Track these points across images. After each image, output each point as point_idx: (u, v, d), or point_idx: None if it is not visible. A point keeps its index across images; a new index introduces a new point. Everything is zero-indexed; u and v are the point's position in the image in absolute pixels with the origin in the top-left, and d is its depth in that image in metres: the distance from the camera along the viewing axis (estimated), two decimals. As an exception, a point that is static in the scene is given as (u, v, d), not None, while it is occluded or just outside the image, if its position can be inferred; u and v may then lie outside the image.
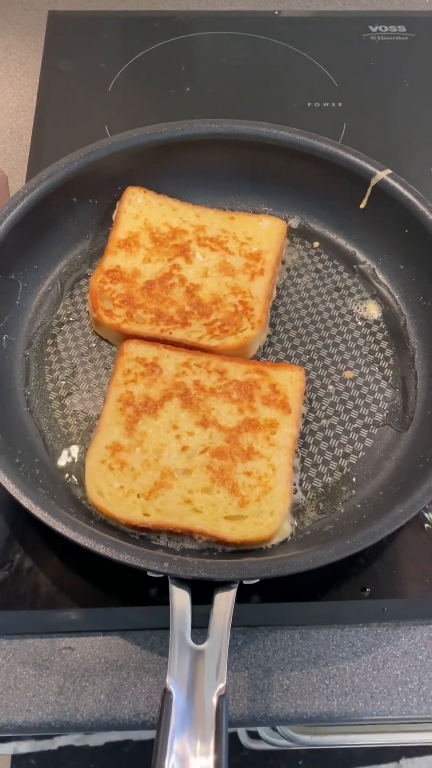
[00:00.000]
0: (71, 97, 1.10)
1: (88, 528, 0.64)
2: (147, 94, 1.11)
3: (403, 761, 1.66)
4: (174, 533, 0.70)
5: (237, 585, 0.62)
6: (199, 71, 1.14)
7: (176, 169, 0.91)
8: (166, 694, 0.55)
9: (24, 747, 1.62)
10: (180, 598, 0.61)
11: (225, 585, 0.62)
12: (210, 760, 0.53)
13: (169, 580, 0.62)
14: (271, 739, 0.88)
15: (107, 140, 0.88)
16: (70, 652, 0.69)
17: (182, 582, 0.62)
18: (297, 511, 0.73)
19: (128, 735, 1.56)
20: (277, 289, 0.88)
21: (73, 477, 0.74)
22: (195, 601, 0.62)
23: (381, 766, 1.64)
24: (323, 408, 0.80)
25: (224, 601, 0.61)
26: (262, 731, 0.87)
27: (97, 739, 1.59)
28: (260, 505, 0.71)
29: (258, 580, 0.65)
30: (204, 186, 0.93)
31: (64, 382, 0.81)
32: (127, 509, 0.70)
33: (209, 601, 0.62)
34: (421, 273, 0.85)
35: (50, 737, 1.59)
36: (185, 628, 0.59)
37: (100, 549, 0.62)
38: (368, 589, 0.71)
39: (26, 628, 0.69)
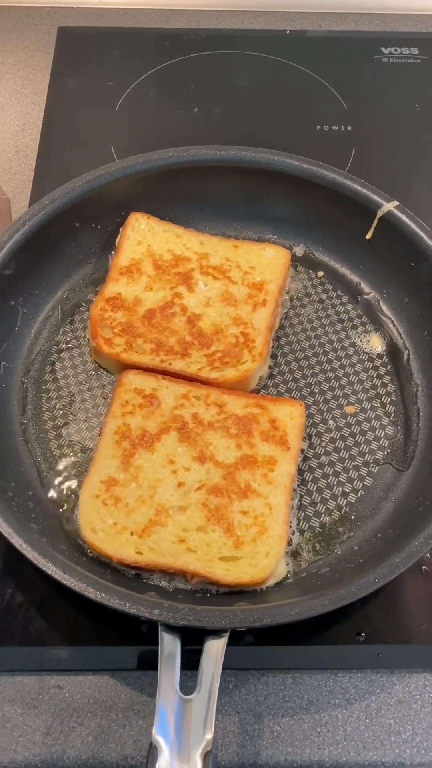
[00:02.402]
0: (78, 116, 1.09)
1: (78, 570, 0.63)
2: (154, 115, 1.10)
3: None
4: (167, 572, 0.69)
5: (228, 632, 0.61)
6: (207, 91, 1.13)
7: (181, 195, 0.90)
8: (152, 748, 0.54)
9: None
10: (170, 645, 0.60)
11: (216, 632, 0.60)
12: None
13: (159, 626, 0.61)
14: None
15: (111, 165, 0.87)
16: (59, 690, 0.68)
17: (172, 628, 0.61)
18: (293, 551, 0.72)
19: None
20: (280, 319, 0.87)
21: (67, 511, 0.73)
22: (187, 642, 0.61)
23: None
24: (323, 444, 0.79)
25: (214, 649, 0.60)
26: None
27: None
28: (255, 546, 0.69)
29: (251, 624, 0.64)
30: (209, 212, 0.92)
31: (61, 412, 0.80)
32: (120, 547, 0.69)
33: (201, 643, 0.61)
34: (426, 307, 0.83)
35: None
36: (174, 678, 0.58)
37: (90, 593, 0.61)
38: (363, 634, 0.70)
39: (15, 665, 0.68)
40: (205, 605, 0.65)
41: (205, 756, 0.53)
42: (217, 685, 0.58)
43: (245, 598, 0.68)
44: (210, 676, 0.59)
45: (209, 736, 0.56)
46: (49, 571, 0.61)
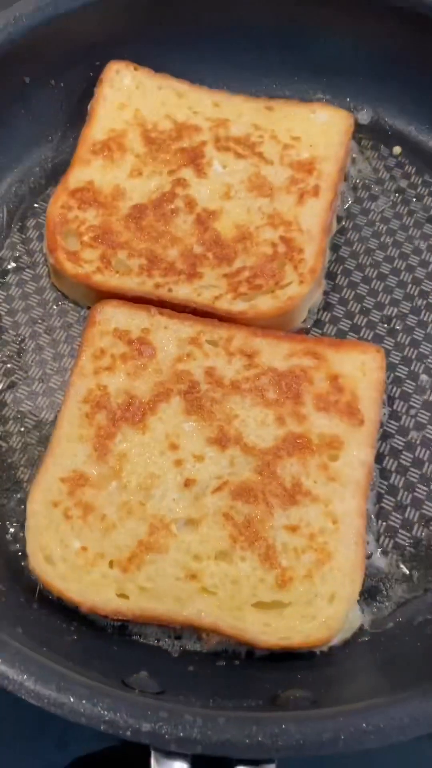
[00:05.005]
0: None
1: (13, 645, 0.38)
2: None
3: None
4: (168, 627, 0.47)
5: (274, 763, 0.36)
6: None
7: (184, 32, 0.67)
8: None
9: None
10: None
11: (254, 763, 0.37)
12: None
13: (152, 752, 0.36)
14: None
15: (74, -17, 0.62)
16: None
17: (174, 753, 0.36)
18: (370, 587, 0.49)
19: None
20: (338, 219, 0.65)
21: (11, 525, 0.51)
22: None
23: None
24: (412, 412, 0.57)
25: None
26: None
27: None
28: (312, 585, 0.49)
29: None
30: (226, 59, 0.68)
31: (6, 366, 0.60)
32: (92, 587, 0.49)
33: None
34: None
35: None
36: None
37: (25, 693, 0.37)
38: None
39: None
40: (230, 682, 0.46)
41: None
42: None
43: (296, 670, 0.45)
44: None
45: None
46: None
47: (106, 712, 0.37)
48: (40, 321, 0.60)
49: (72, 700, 0.37)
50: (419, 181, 0.65)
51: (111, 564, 0.49)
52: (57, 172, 0.66)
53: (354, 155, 0.67)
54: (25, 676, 0.38)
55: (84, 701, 0.37)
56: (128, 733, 0.37)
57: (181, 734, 0.37)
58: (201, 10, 0.65)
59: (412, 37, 0.64)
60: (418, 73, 0.65)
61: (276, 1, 0.66)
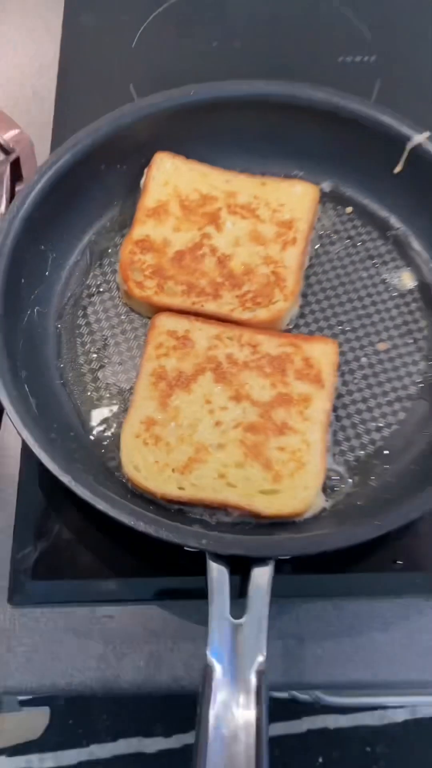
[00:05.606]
0: (95, 54, 1.06)
1: (128, 505, 0.65)
2: (173, 50, 1.07)
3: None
4: (209, 506, 0.71)
5: (274, 561, 0.63)
6: (226, 24, 1.09)
7: (205, 133, 0.86)
8: (207, 668, 0.57)
9: (48, 761, 1.56)
10: (218, 573, 0.62)
11: (262, 561, 0.63)
12: (252, 712, 0.55)
13: (207, 556, 0.63)
14: (296, 695, 0.91)
15: (135, 105, 0.85)
16: (109, 620, 0.71)
17: (219, 557, 0.63)
18: (330, 485, 0.74)
19: (139, 747, 1.57)
20: (309, 258, 0.84)
21: (109, 451, 0.75)
22: (233, 571, 0.63)
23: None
24: (355, 381, 0.79)
25: (262, 576, 0.62)
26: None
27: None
28: (294, 480, 0.71)
29: (292, 554, 0.66)
30: (235, 149, 0.87)
31: (95, 355, 0.80)
32: (163, 483, 0.71)
33: (247, 573, 0.63)
34: (458, 241, 0.82)
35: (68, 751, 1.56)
36: (224, 603, 0.61)
37: (140, 526, 0.63)
38: (400, 562, 0.72)
39: (67, 597, 0.71)
40: (247, 536, 0.68)
41: (259, 674, 0.56)
42: (267, 609, 0.60)
43: (284, 530, 0.70)
44: (259, 602, 0.61)
45: (261, 658, 0.58)
46: (100, 507, 0.63)
47: (181, 535, 0.63)
48: (116, 326, 0.81)
49: (163, 529, 0.62)
50: (363, 232, 0.86)
51: (173, 470, 0.70)
52: (123, 226, 0.85)
53: (320, 213, 0.87)
54: (141, 521, 0.61)
55: (169, 531, 0.62)
56: (195, 545, 0.64)
57: (221, 543, 0.62)
58: (217, 121, 0.86)
59: (358, 136, 0.84)
60: (361, 159, 0.86)
61: (266, 115, 0.85)
